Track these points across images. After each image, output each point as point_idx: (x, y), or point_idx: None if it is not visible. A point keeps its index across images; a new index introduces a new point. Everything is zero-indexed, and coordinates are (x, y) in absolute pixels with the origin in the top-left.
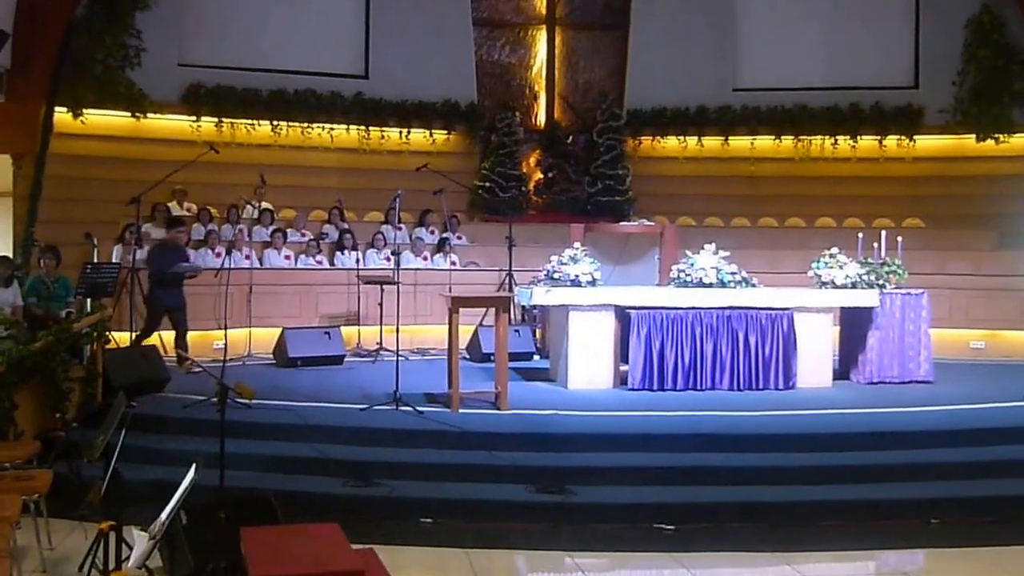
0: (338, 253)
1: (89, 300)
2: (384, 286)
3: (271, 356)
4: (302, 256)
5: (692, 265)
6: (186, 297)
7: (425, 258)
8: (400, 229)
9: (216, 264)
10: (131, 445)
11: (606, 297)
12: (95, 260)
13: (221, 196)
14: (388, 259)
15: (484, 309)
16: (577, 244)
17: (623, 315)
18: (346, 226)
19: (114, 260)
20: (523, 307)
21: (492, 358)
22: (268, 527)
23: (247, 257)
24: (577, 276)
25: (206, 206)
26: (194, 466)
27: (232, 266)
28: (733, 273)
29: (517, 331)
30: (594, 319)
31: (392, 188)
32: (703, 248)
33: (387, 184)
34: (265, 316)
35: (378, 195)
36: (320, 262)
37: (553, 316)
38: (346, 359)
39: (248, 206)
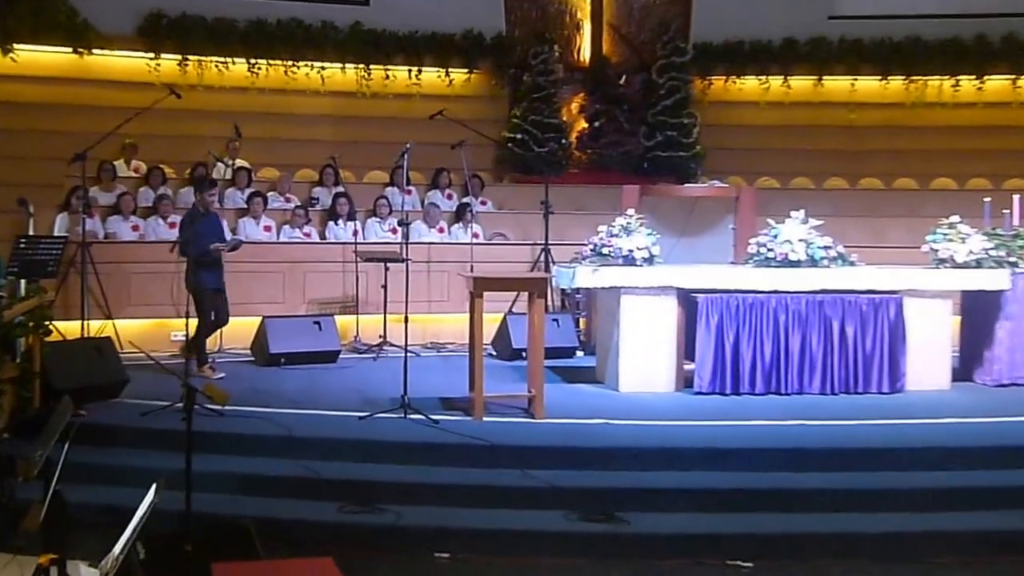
0: (331, 223)
1: (23, 282)
2: (389, 264)
3: (248, 352)
4: (286, 227)
5: (775, 238)
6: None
7: (441, 229)
8: (409, 193)
9: (169, 235)
10: (77, 461)
11: (667, 278)
12: (31, 232)
13: (185, 151)
14: (394, 231)
15: (514, 293)
16: (631, 211)
17: (688, 300)
18: (341, 189)
19: (57, 232)
20: (563, 291)
21: (524, 354)
22: (245, 562)
23: None
24: (631, 252)
25: (158, 164)
26: (154, 487)
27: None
28: (827, 248)
29: (556, 320)
30: (652, 305)
31: (399, 142)
32: (789, 216)
33: (393, 136)
34: (240, 302)
35: (381, 150)
36: (309, 235)
37: (601, 302)
38: (341, 355)
39: (219, 164)
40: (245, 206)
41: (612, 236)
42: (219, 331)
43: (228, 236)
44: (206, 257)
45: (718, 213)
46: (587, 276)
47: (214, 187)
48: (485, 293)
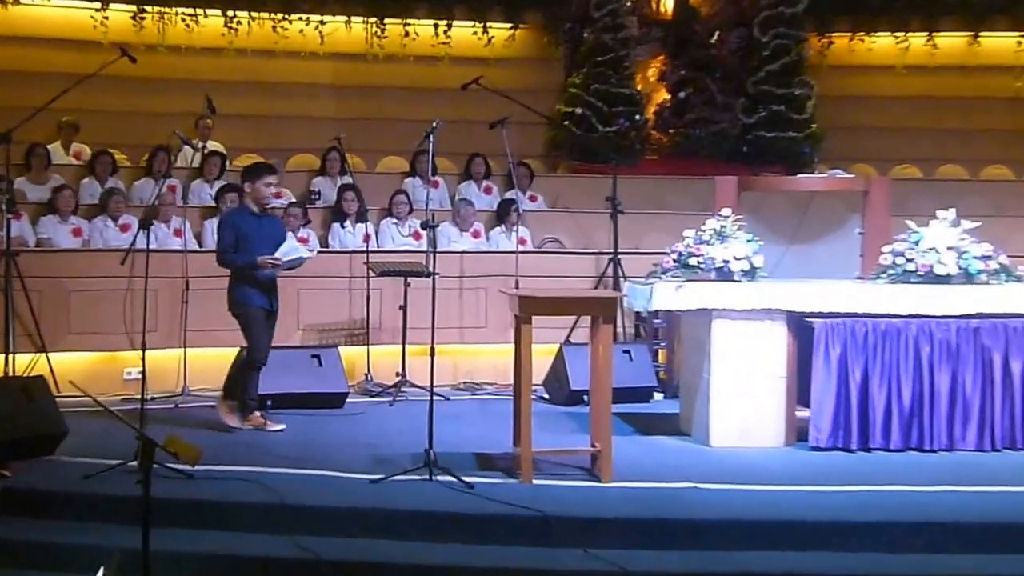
0: (335, 226)
1: None
2: (410, 280)
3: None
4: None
5: (916, 245)
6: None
7: (476, 234)
8: (436, 186)
9: (122, 242)
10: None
11: (773, 297)
12: None
13: (141, 132)
14: (417, 235)
15: (573, 318)
16: (726, 211)
17: (801, 327)
18: (349, 181)
19: None
20: (637, 315)
21: (585, 398)
22: None
23: (178, 233)
24: (726, 263)
25: (106, 148)
26: (102, 571)
27: (155, 247)
28: (985, 258)
29: (627, 353)
30: (753, 333)
31: (423, 120)
32: (934, 217)
33: (414, 112)
34: (211, 328)
35: (400, 130)
36: (306, 240)
37: (687, 329)
38: (348, 399)
39: (185, 148)
40: (214, 203)
41: (701, 243)
42: (182, 365)
43: (295, 249)
44: (257, 271)
45: (840, 213)
46: (669, 295)
47: (273, 174)
48: (535, 318)
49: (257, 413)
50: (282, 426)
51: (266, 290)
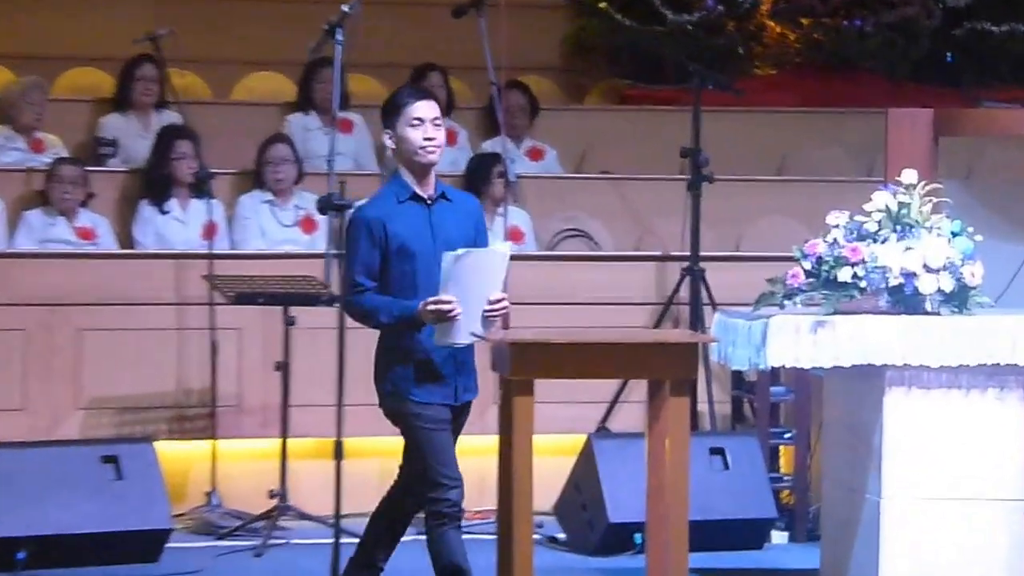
0: (146, 206)
1: None
2: (294, 311)
3: None
4: (32, 215)
5: None
6: None
7: None
8: (348, 129)
9: None
10: None
11: (1008, 343)
12: None
13: None
14: (309, 224)
15: (612, 384)
16: (910, 175)
17: None
18: (175, 118)
19: None
20: (739, 377)
21: (639, 540)
22: None
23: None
24: (911, 277)
25: None
26: None
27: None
28: None
29: (720, 455)
30: (968, 413)
31: (324, 2)
32: None
33: None
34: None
35: (273, 21)
36: (90, 234)
37: (836, 404)
38: (171, 541)
39: None
40: None
41: (862, 238)
42: None
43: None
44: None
45: None
46: (799, 340)
47: (424, 99)
48: (539, 383)
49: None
50: None
51: (448, 369)
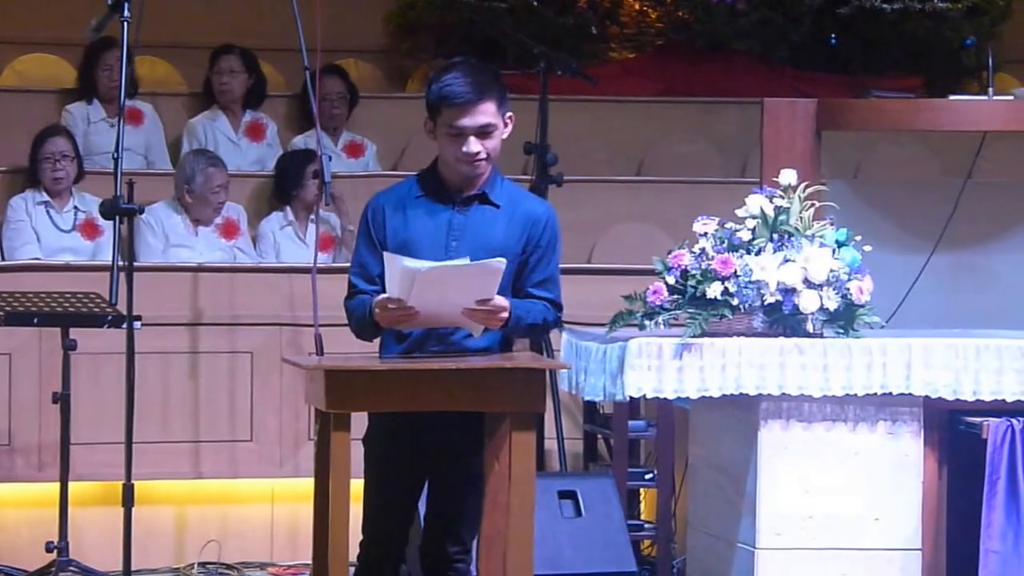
0: None
1: None
2: (74, 333)
3: None
4: None
5: None
6: None
7: (230, 229)
8: (137, 120)
9: None
10: None
11: (899, 370)
12: None
13: None
14: (90, 229)
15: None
16: (788, 175)
17: (958, 435)
18: None
19: None
20: (592, 408)
21: None
22: None
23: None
24: (790, 294)
25: None
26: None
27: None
28: None
29: (572, 500)
30: (854, 449)
31: None
32: None
33: None
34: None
35: (46, 3)
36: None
37: (703, 441)
38: None
39: None
40: None
41: (733, 248)
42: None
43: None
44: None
45: None
46: (661, 367)
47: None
48: (357, 416)
49: None
50: None
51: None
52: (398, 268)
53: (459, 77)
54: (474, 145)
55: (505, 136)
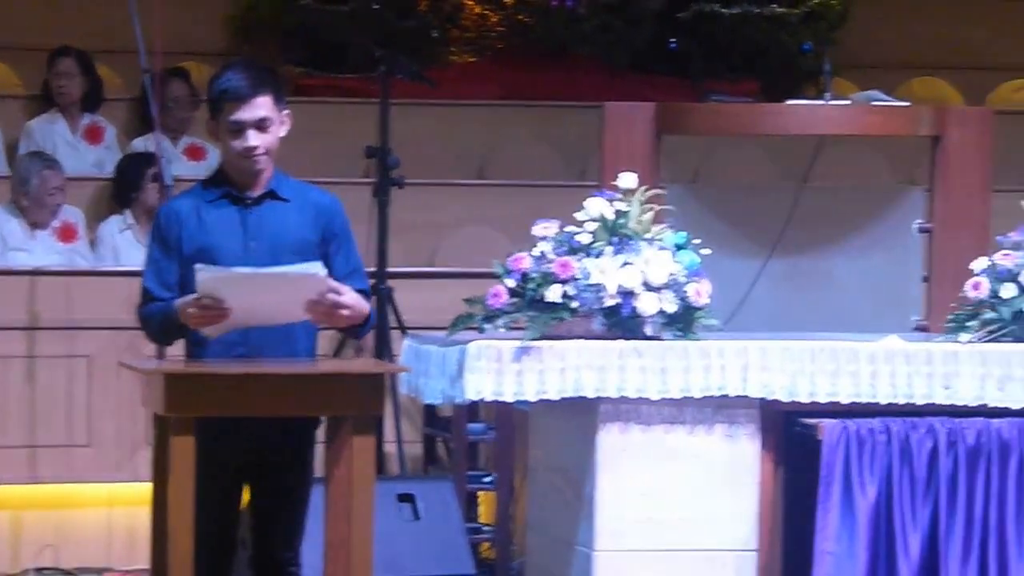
0: None
1: None
2: None
3: None
4: None
5: None
6: None
7: (67, 232)
8: None
9: None
10: None
11: (735, 373)
12: None
13: None
14: None
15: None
16: (628, 178)
17: (794, 437)
18: None
19: None
20: (431, 412)
21: None
22: None
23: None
24: (628, 297)
25: None
26: None
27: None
28: None
29: (410, 503)
30: (692, 452)
31: None
32: None
33: None
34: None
35: None
36: None
37: (543, 445)
38: None
39: None
40: None
41: (572, 251)
42: None
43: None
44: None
45: (881, 187)
46: (500, 370)
47: (240, 100)
48: (198, 421)
49: None
50: None
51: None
52: (209, 277)
53: (236, 73)
54: (252, 139)
55: (282, 134)
